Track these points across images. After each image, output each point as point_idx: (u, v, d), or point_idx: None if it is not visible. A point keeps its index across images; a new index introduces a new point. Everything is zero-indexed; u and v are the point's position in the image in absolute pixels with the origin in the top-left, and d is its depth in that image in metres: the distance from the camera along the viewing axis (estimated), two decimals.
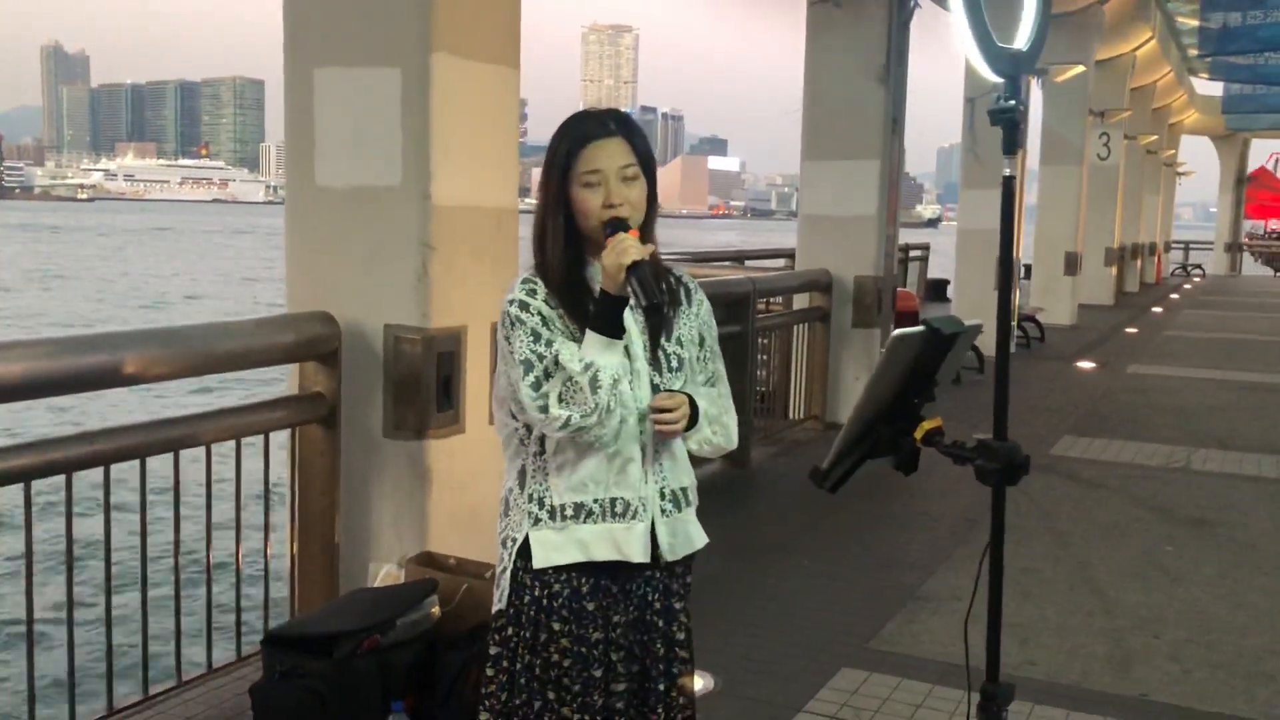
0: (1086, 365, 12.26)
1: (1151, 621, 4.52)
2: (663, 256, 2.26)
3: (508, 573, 2.18)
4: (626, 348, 2.12)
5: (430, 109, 3.75)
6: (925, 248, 20.98)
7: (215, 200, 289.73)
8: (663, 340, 2.19)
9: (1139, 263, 24.93)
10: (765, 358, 8.10)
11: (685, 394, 2.16)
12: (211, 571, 3.66)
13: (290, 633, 3.14)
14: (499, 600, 2.20)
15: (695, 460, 2.32)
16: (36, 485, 3.03)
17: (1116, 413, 9.44)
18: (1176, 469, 7.31)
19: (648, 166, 2.17)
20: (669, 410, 2.11)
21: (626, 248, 2.04)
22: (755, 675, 3.92)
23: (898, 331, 2.07)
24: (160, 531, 3.63)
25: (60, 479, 3.09)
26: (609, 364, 2.06)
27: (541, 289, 2.13)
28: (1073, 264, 16.63)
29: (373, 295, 3.88)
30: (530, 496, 2.17)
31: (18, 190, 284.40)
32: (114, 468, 3.22)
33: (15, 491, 2.98)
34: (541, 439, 2.15)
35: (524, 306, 2.11)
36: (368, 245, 3.89)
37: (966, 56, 2.12)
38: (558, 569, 2.15)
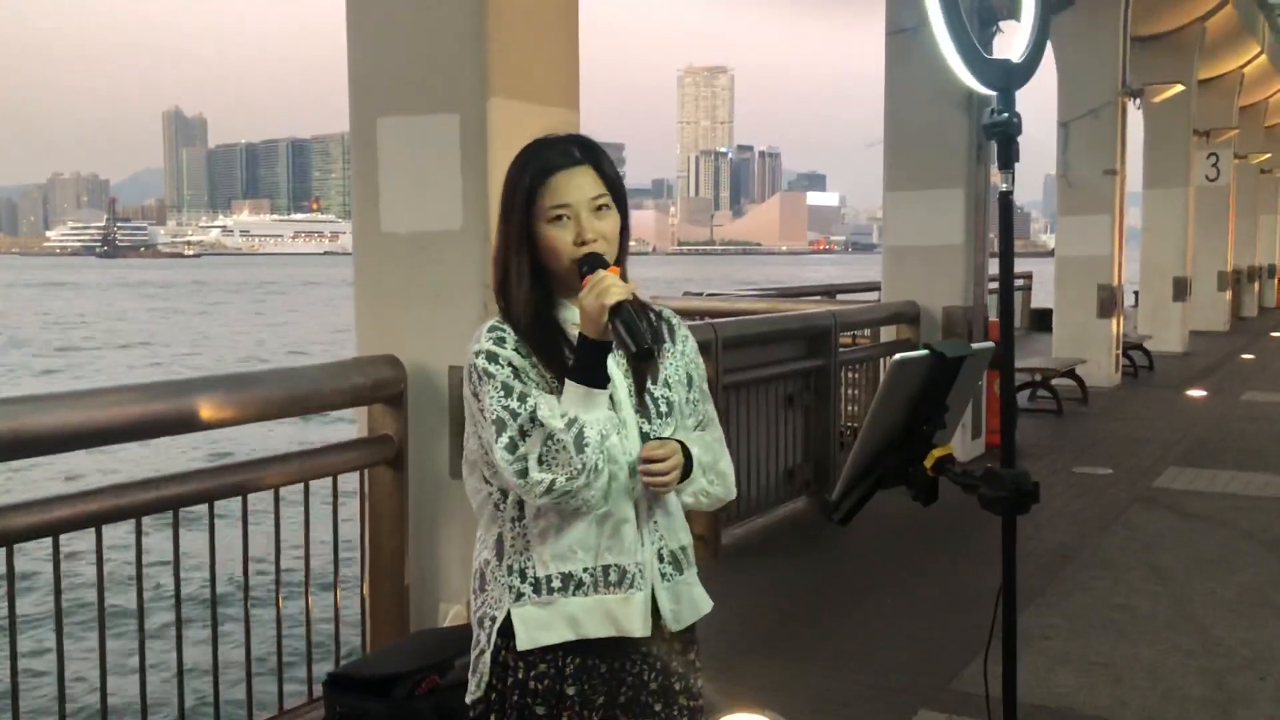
0: (1197, 394, 11.77)
1: (1256, 661, 4.27)
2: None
3: (486, 655, 1.94)
4: (611, 397, 1.89)
5: (489, 153, 3.80)
6: (1027, 277, 20.50)
7: (327, 253, 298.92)
8: (649, 384, 1.97)
9: (1257, 286, 23.95)
10: (854, 392, 7.98)
11: (677, 441, 1.92)
12: (282, 613, 3.71)
13: (350, 674, 3.16)
14: (476, 687, 1.95)
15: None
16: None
17: (1227, 443, 9.02)
18: None
19: (619, 195, 1.96)
20: (659, 460, 1.86)
21: (607, 287, 1.81)
22: (829, 717, 3.81)
23: (898, 356, 1.98)
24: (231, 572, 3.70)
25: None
26: (595, 418, 1.83)
27: (511, 336, 1.90)
28: (1182, 289, 16.05)
29: (437, 337, 3.93)
30: (510, 569, 1.92)
31: (142, 249, 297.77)
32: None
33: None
34: (520, 503, 1.92)
35: (492, 358, 1.87)
36: (431, 289, 3.95)
37: (953, 69, 2.04)
38: (544, 649, 1.90)
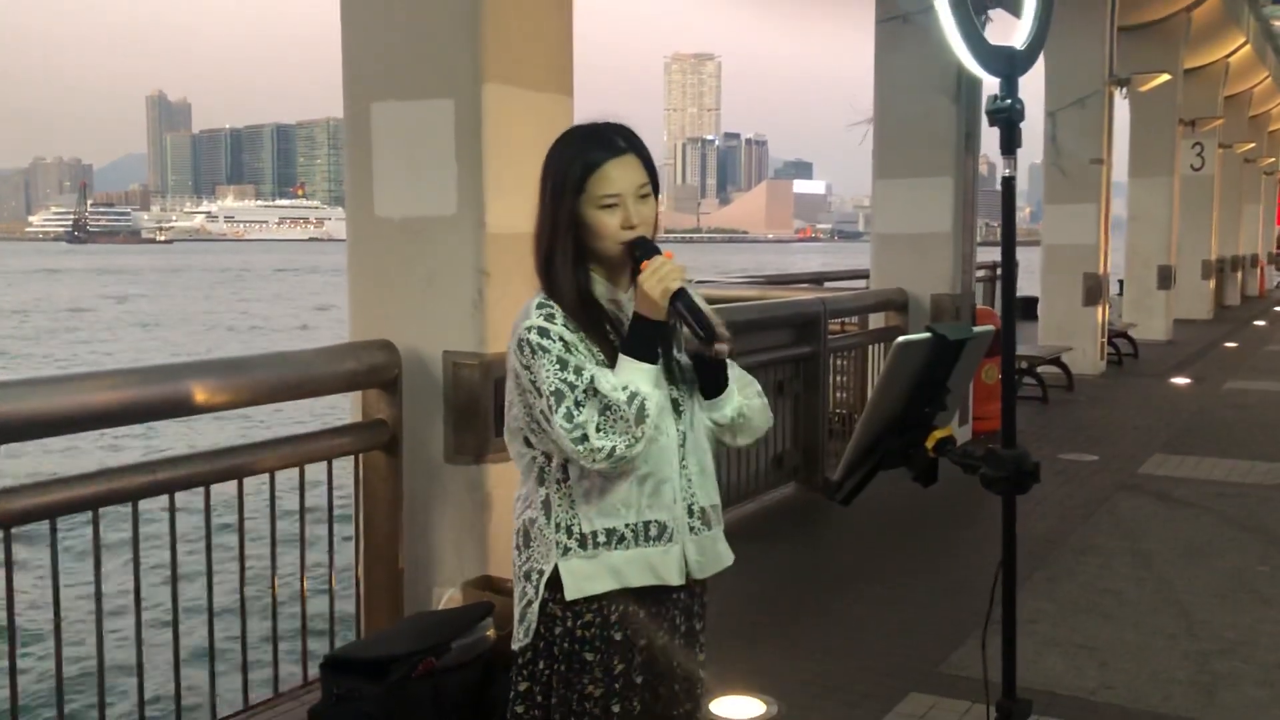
0: (1181, 381, 11.86)
1: (1240, 645, 4.33)
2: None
3: (534, 605, 2.09)
4: None
5: (483, 138, 3.80)
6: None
7: (312, 239, 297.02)
8: (674, 352, 2.13)
9: (1240, 275, 24.09)
10: (842, 379, 8.01)
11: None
12: (277, 597, 3.73)
13: (348, 656, 3.18)
14: (524, 635, 2.11)
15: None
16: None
17: (1211, 429, 9.11)
18: (1274, 485, 7.02)
19: (655, 184, 2.11)
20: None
21: (668, 273, 1.97)
22: (820, 700, 3.85)
23: (901, 339, 2.01)
24: (226, 559, 3.71)
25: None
26: (652, 391, 1.98)
27: (559, 313, 2.03)
28: (1166, 278, 16.14)
29: (431, 323, 3.94)
30: (557, 526, 2.07)
31: (126, 234, 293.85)
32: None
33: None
34: (564, 466, 2.07)
35: (544, 333, 2.01)
36: (425, 274, 3.95)
37: (958, 55, 2.06)
38: (589, 599, 2.06)
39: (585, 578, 2.05)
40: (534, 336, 2.00)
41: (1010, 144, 2.03)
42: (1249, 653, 4.25)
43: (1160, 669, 4.08)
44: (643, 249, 2.02)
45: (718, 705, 3.70)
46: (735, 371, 2.18)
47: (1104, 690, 3.90)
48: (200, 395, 3.40)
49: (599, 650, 2.07)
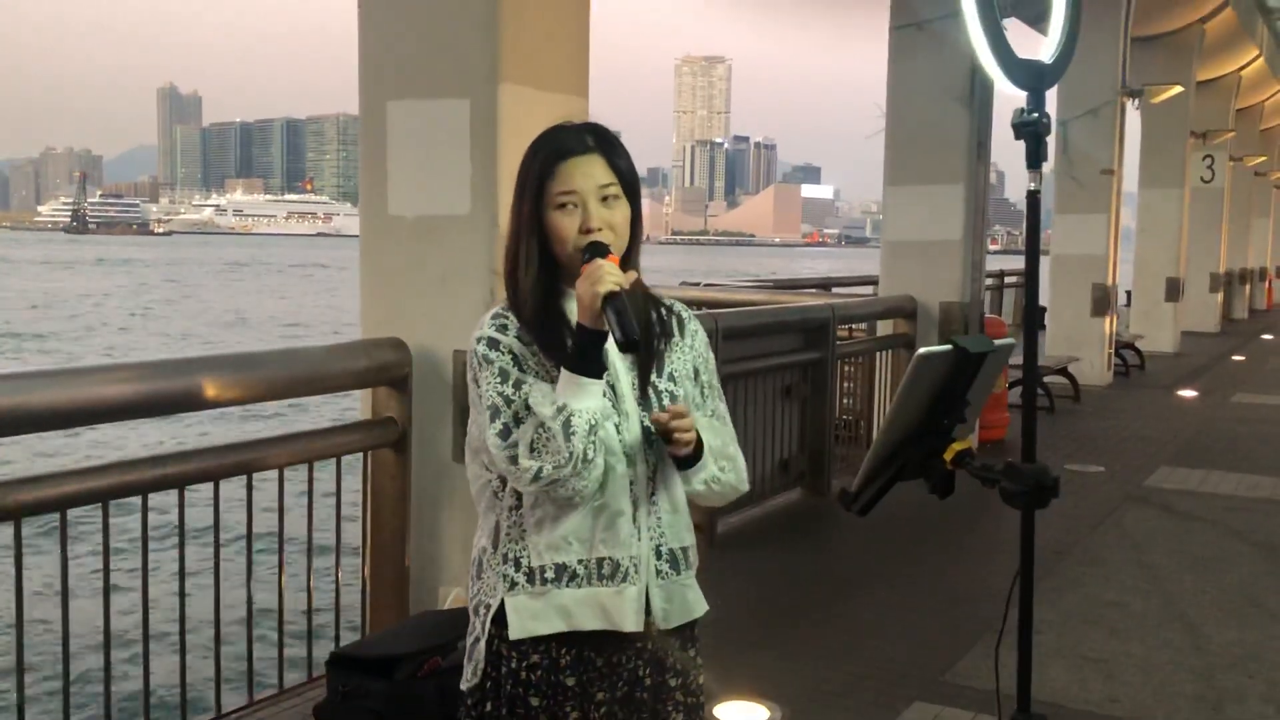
0: (1188, 394, 11.84)
1: (1246, 660, 4.32)
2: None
3: (481, 643, 1.94)
4: (612, 386, 1.90)
5: (498, 138, 3.81)
6: (1021, 274, 20.53)
7: (319, 234, 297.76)
8: (653, 376, 1.96)
9: (1248, 288, 24.05)
10: (849, 385, 8.01)
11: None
12: (284, 594, 3.73)
13: (353, 654, 3.18)
14: (473, 674, 1.95)
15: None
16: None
17: (1218, 443, 9.09)
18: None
19: (631, 187, 1.95)
20: (681, 416, 1.85)
21: (602, 275, 1.80)
22: (823, 707, 3.85)
23: (922, 350, 2.00)
24: (234, 554, 3.71)
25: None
26: (585, 407, 1.81)
27: (514, 324, 1.90)
28: (1174, 290, 16.10)
29: (443, 321, 3.95)
30: (505, 557, 1.92)
31: (134, 226, 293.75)
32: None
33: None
34: (518, 492, 1.91)
35: (493, 344, 1.88)
36: (438, 273, 3.96)
37: (984, 67, 2.06)
38: (536, 639, 1.90)
39: (532, 616, 1.90)
40: (482, 348, 1.89)
41: (1036, 157, 2.01)
42: (1256, 668, 4.23)
43: (1166, 683, 4.08)
44: (591, 252, 1.85)
45: (721, 710, 3.70)
46: (718, 440, 2.02)
47: (1109, 704, 3.89)
48: (212, 390, 3.40)
49: (545, 696, 1.91)
